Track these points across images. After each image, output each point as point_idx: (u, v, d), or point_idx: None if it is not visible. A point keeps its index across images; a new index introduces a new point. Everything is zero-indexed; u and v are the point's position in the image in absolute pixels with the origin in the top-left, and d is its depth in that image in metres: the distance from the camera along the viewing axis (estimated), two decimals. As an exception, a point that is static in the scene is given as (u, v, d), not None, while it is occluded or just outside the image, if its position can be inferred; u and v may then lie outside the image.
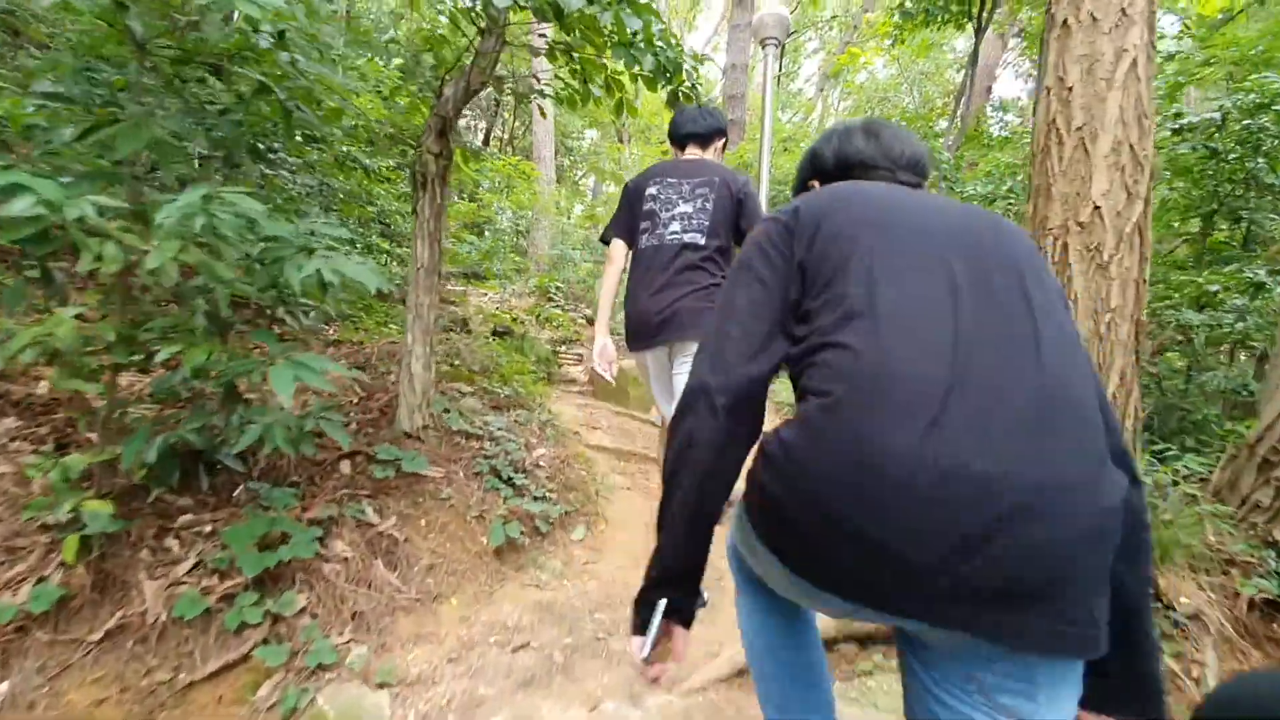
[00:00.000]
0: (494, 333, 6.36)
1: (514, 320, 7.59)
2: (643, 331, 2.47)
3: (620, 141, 13.85)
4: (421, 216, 2.95)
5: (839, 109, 17.42)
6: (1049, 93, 1.97)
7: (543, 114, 3.47)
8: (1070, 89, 1.90)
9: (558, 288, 12.01)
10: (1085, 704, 0.88)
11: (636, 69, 3.71)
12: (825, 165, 1.20)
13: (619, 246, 2.62)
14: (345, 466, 2.65)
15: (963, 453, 0.76)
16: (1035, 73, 13.69)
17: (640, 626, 0.97)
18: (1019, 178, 6.71)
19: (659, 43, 3.68)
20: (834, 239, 0.96)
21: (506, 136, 21.48)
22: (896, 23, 8.11)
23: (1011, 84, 15.36)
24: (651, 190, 2.58)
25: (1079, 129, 1.86)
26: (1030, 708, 0.81)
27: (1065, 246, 1.83)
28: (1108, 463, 0.82)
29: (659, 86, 3.83)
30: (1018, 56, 13.28)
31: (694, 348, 2.22)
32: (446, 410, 3.23)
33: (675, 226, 2.46)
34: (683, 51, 3.68)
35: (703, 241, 2.43)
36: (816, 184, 1.22)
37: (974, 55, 7.92)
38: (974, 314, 0.85)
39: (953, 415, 0.78)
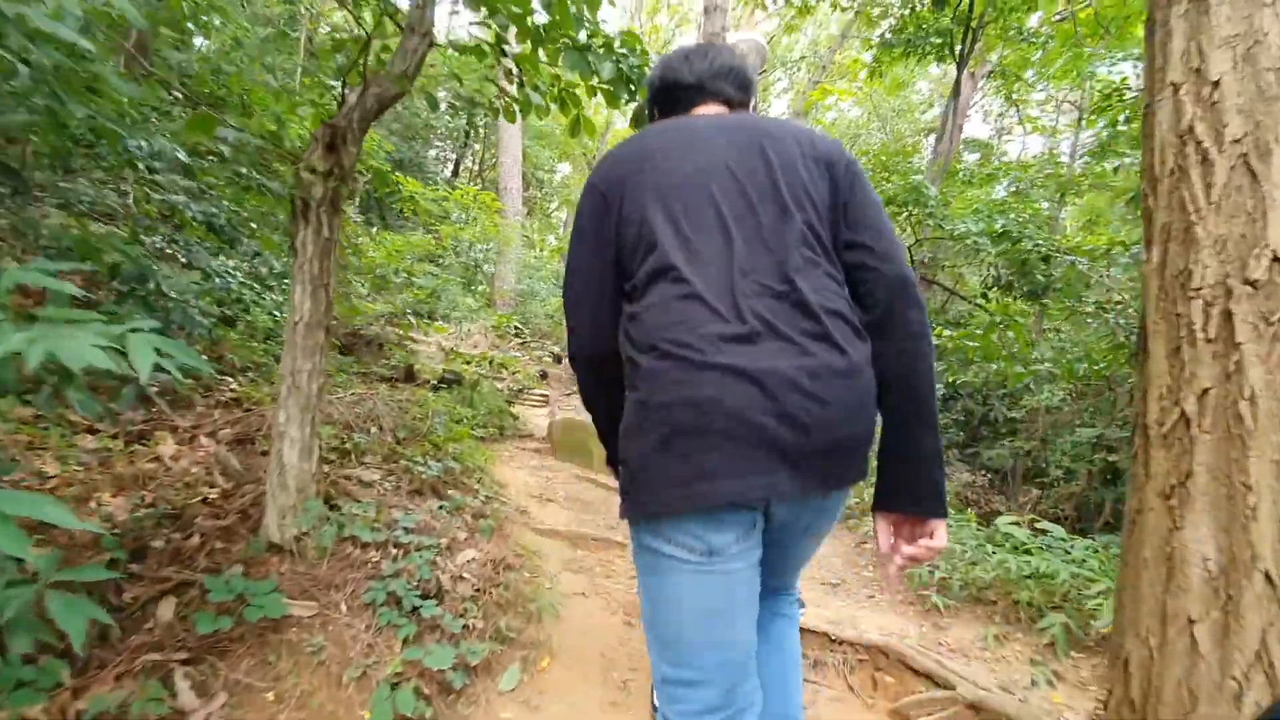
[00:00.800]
0: (442, 381, 5.55)
1: (468, 363, 6.78)
2: None
3: (591, 175, 13.41)
4: (301, 255, 2.18)
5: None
6: (1175, 91, 1.31)
7: (509, 116, 2.73)
8: (1217, 84, 1.25)
9: (517, 327, 11.28)
10: (879, 506, 1.13)
11: (595, 80, 3.05)
12: (656, 87, 1.30)
13: None
14: (166, 608, 1.82)
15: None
16: (1004, 113, 13.55)
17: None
18: (1011, 215, 6.19)
19: (621, 49, 3.01)
20: (632, 222, 1.09)
21: (476, 167, 20.85)
22: (875, 55, 7.68)
23: (980, 126, 15.19)
24: None
25: (1237, 141, 1.20)
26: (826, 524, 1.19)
27: (1227, 316, 1.16)
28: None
29: (621, 101, 3.16)
30: (984, 98, 13.09)
31: None
32: (334, 507, 2.41)
33: None
34: (649, 60, 3.02)
35: None
36: (656, 110, 1.32)
37: (955, 88, 7.50)
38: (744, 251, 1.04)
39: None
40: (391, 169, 8.27)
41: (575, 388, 7.42)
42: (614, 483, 1.15)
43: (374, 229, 9.25)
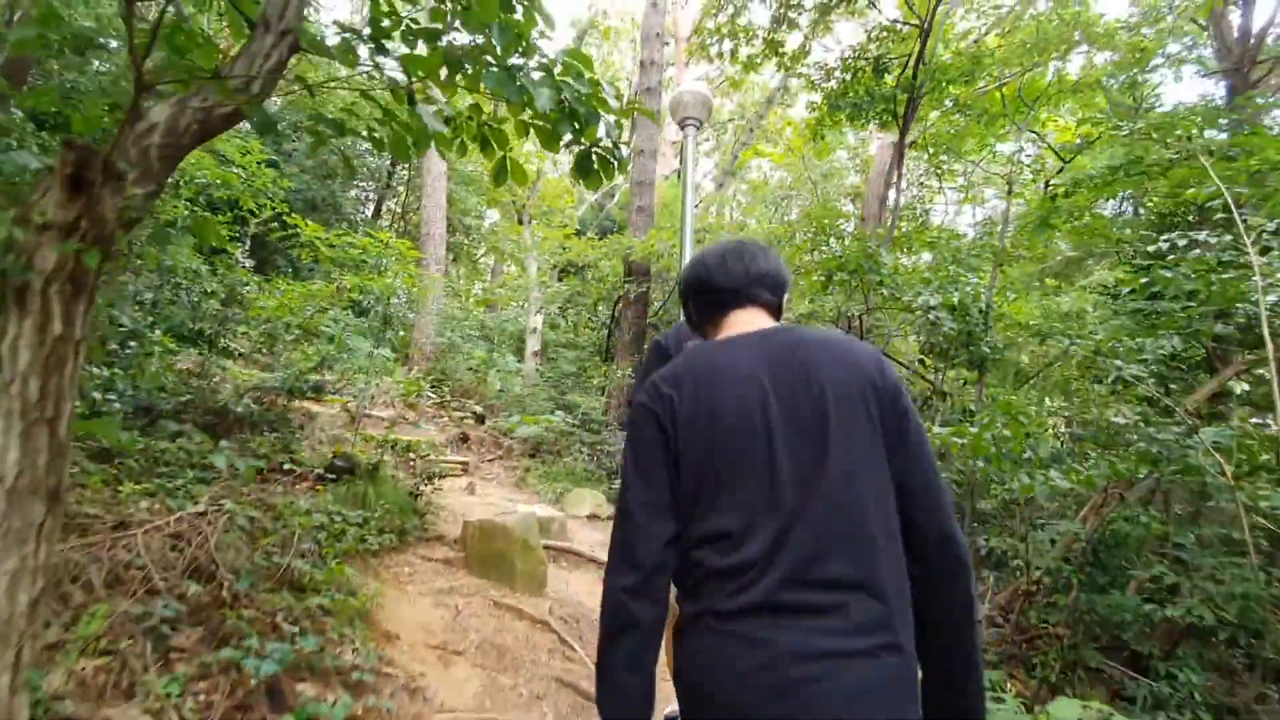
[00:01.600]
0: (330, 471, 4.46)
1: (366, 443, 5.68)
2: None
3: (520, 222, 12.53)
4: (7, 367, 1.23)
5: (739, 205, 17.10)
6: None
7: (399, 152, 1.77)
8: None
9: (435, 385, 10.16)
10: None
11: (527, 113, 2.28)
12: (696, 289, 1.29)
13: None
14: None
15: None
16: (924, 182, 13.91)
17: None
18: (961, 286, 5.81)
19: (563, 75, 2.25)
20: (697, 461, 1.04)
21: (400, 210, 19.66)
22: (819, 115, 7.39)
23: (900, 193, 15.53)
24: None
25: None
26: None
27: None
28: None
29: (560, 143, 2.39)
30: (911, 167, 13.32)
31: None
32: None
33: None
34: (601, 91, 2.28)
35: None
36: (690, 301, 1.31)
37: (899, 152, 7.28)
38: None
39: None
40: (288, 209, 7.19)
41: (499, 452, 5.69)
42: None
43: (277, 275, 8.06)
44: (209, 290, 6.02)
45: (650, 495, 1.04)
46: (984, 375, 7.55)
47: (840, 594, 0.93)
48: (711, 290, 1.24)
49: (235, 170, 6.46)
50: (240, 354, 7.02)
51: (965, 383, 7.92)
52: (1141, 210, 8.10)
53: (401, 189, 18.03)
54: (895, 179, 7.42)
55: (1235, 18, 7.58)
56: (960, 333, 6.47)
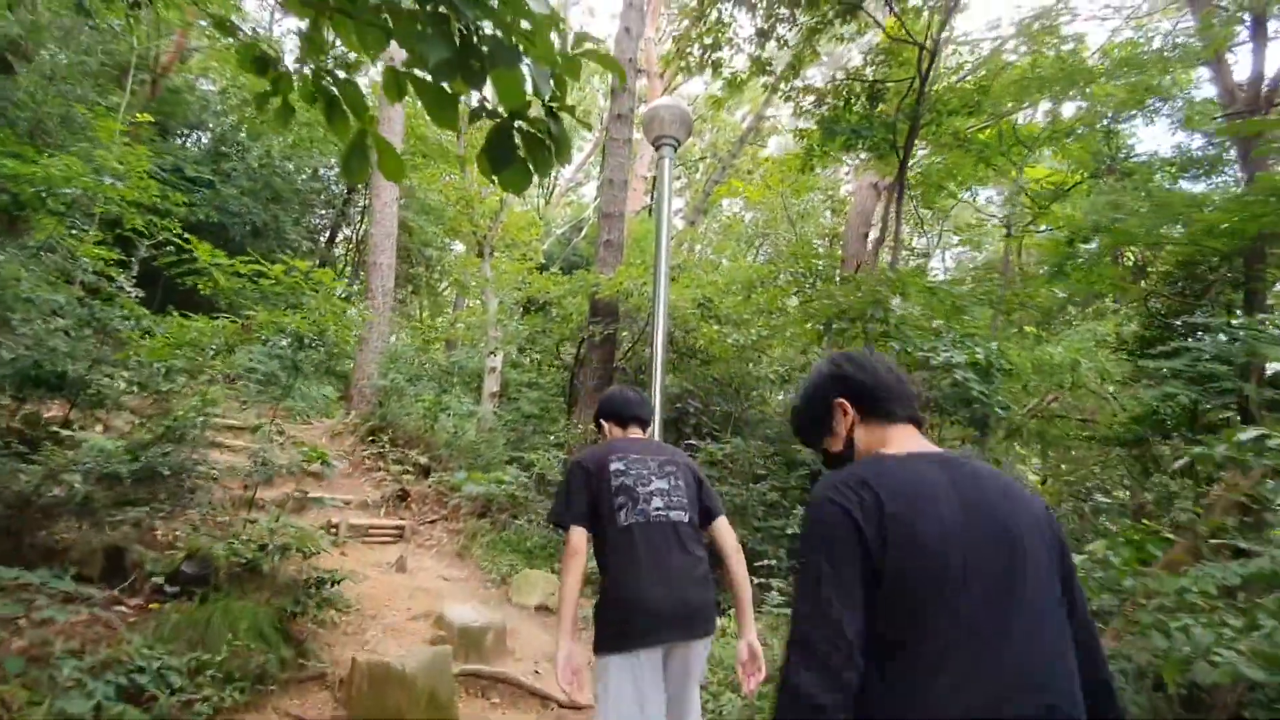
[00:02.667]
0: (175, 582, 3.21)
1: (247, 528, 4.39)
2: (658, 626, 2.03)
3: (480, 255, 11.46)
4: None
5: (710, 243, 16.33)
6: None
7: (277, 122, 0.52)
8: None
9: (371, 437, 8.90)
10: None
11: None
12: (862, 389, 1.19)
13: (580, 535, 2.14)
14: None
15: None
16: (915, 222, 13.36)
17: None
18: (984, 341, 4.91)
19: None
20: (911, 574, 0.95)
21: (357, 237, 18.39)
22: (809, 143, 6.58)
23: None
24: (617, 465, 2.22)
25: None
26: None
27: None
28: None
29: (454, 110, 1.34)
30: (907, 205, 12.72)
31: (704, 650, 2.15)
32: None
33: (658, 503, 2.19)
34: (577, 71, 1.25)
35: (686, 519, 2.21)
36: (843, 402, 1.20)
37: (900, 183, 6.47)
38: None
39: None
40: (181, 229, 5.98)
41: (443, 511, 3.19)
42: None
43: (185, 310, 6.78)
44: (67, 324, 4.76)
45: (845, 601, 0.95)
46: (986, 435, 6.66)
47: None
48: (890, 396, 1.17)
49: (113, 183, 5.27)
50: (119, 402, 5.72)
51: (963, 442, 7.04)
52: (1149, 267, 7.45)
53: (359, 216, 16.83)
54: (896, 212, 6.62)
55: (1232, 60, 7.10)
56: (963, 388, 5.59)
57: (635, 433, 2.44)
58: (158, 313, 5.77)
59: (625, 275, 7.94)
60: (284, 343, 5.74)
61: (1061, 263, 5.86)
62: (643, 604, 2.02)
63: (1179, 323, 4.88)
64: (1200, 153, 7.19)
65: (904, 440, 1.14)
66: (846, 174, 14.06)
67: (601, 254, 8.85)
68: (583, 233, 13.96)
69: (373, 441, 9.32)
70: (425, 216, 14.06)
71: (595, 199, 9.23)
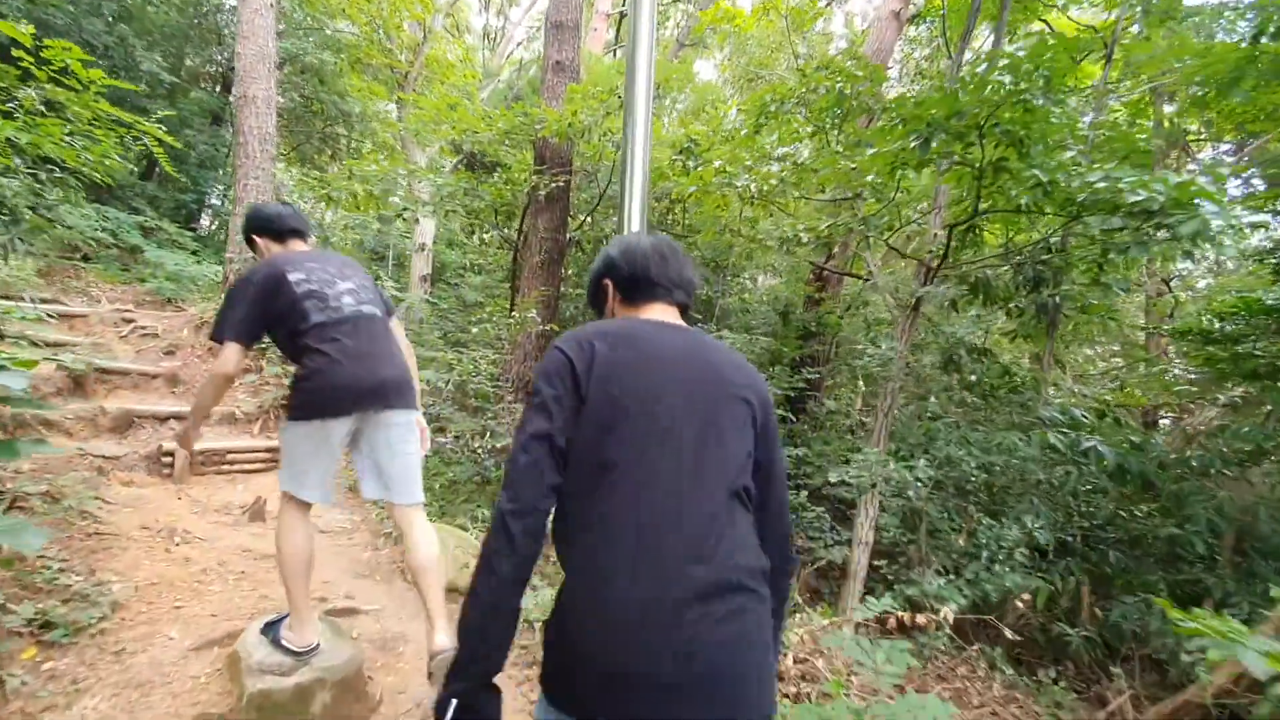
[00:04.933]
0: None
1: None
2: (354, 397, 2.12)
3: (400, 102, 8.69)
4: None
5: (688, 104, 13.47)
6: None
7: None
8: None
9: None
10: None
11: None
12: (620, 276, 1.32)
13: (236, 351, 2.06)
14: None
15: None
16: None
17: None
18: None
19: None
20: (607, 407, 1.08)
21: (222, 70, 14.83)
22: None
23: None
24: (296, 275, 2.14)
25: None
26: None
27: None
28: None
29: None
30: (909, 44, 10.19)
31: (410, 416, 2.27)
32: None
33: (348, 299, 2.21)
34: None
35: (380, 314, 2.30)
36: (609, 283, 1.33)
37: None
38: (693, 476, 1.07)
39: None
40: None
41: None
42: None
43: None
44: None
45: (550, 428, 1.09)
46: (1054, 330, 4.85)
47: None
48: (648, 281, 1.29)
49: None
50: None
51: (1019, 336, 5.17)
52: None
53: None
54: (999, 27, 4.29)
55: None
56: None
57: (298, 246, 2.32)
58: None
59: (581, 106, 5.53)
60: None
61: (1238, 70, 3.75)
62: (331, 383, 2.05)
63: None
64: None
65: (656, 314, 1.29)
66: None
67: (549, 80, 6.34)
68: (531, 73, 11.03)
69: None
70: (331, 52, 10.87)
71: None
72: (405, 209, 6.44)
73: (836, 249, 8.48)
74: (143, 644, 2.45)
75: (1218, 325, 4.72)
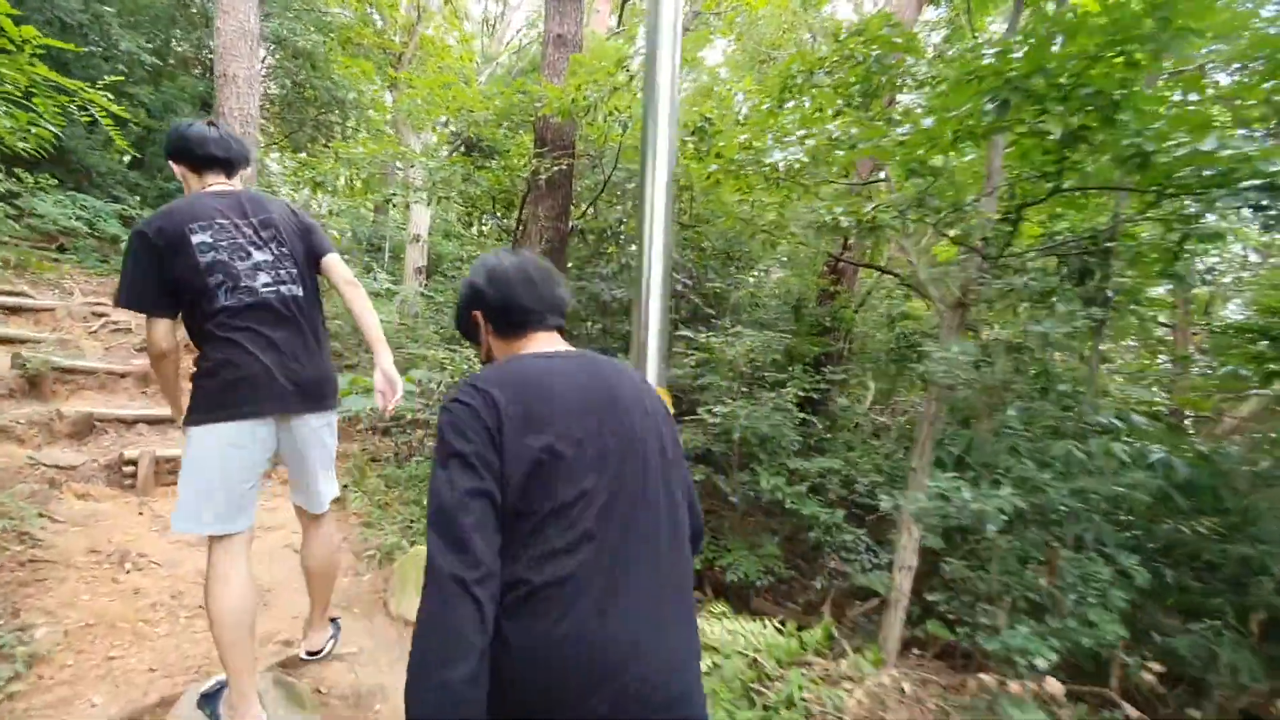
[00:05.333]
0: None
1: None
2: (270, 395, 1.82)
3: (393, 85, 8.19)
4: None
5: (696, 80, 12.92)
6: None
7: None
8: None
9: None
10: None
11: None
12: (491, 306, 1.23)
13: (154, 325, 1.79)
14: None
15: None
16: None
17: None
18: None
19: None
20: (526, 471, 0.98)
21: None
22: None
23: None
24: (201, 238, 1.78)
25: None
26: None
27: None
28: None
29: None
30: None
31: (330, 418, 2.05)
32: None
33: (265, 278, 1.85)
34: None
35: (301, 292, 1.93)
36: (479, 315, 1.25)
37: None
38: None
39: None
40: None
41: None
42: None
43: None
44: None
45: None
46: (1102, 327, 4.39)
47: None
48: (521, 310, 1.22)
49: None
50: None
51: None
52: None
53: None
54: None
55: None
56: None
57: (218, 181, 1.92)
58: None
59: (585, 80, 5.04)
60: None
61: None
62: (237, 377, 1.77)
63: None
64: None
65: (538, 345, 1.21)
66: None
67: (550, 55, 5.85)
68: (529, 55, 10.50)
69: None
70: (321, 34, 10.34)
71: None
72: (395, 194, 5.94)
73: (852, 239, 8.04)
74: (57, 713, 2.00)
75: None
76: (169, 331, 1.79)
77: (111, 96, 3.29)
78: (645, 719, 0.91)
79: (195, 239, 1.76)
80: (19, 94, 2.91)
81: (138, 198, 9.34)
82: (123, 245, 8.14)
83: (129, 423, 4.74)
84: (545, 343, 1.21)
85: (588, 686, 0.90)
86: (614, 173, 6.55)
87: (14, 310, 5.75)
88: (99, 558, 3.22)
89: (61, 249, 7.79)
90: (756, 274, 8.81)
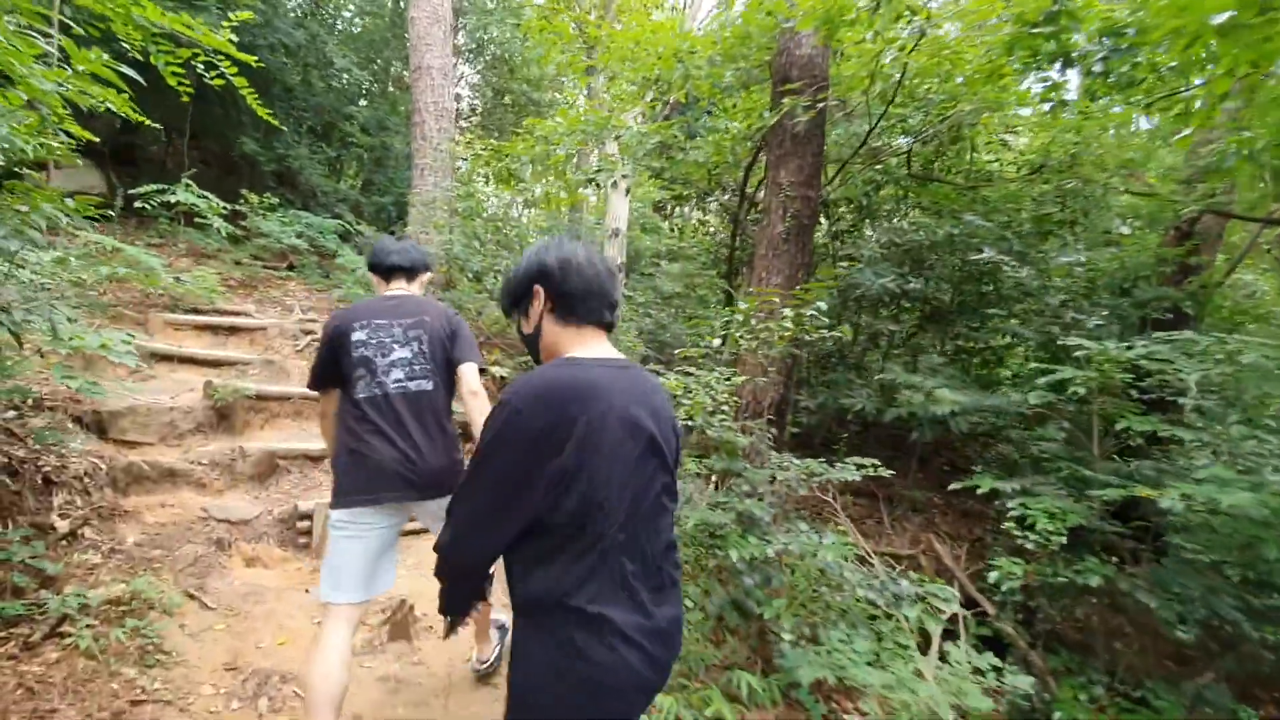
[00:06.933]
0: None
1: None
2: (380, 485, 1.99)
3: (589, 69, 7.25)
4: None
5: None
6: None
7: None
8: None
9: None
10: None
11: None
12: (564, 289, 1.19)
13: (327, 400, 2.16)
14: None
15: None
16: None
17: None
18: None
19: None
20: (578, 474, 1.03)
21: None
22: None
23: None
24: (359, 335, 2.08)
25: None
26: None
27: None
28: None
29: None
30: None
31: (440, 504, 2.11)
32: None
33: (398, 374, 2.08)
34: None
35: (430, 386, 2.11)
36: (542, 290, 1.20)
37: None
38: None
39: None
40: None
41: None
42: None
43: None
44: None
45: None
46: None
47: None
48: (596, 299, 1.19)
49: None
50: None
51: None
52: None
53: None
54: None
55: None
56: None
57: (399, 286, 2.22)
58: None
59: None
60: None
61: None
62: (363, 465, 1.97)
63: None
64: None
65: (589, 344, 1.19)
66: None
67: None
68: None
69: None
70: (515, 29, 9.80)
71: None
72: (599, 170, 4.74)
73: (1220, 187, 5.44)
74: None
75: None
76: (330, 403, 2.10)
77: (235, 39, 2.35)
78: None
79: (354, 336, 2.02)
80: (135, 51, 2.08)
81: (357, 215, 9.53)
82: (340, 260, 8.20)
83: (315, 459, 4.08)
84: (602, 344, 1.21)
85: None
86: (879, 123, 4.73)
87: (233, 330, 5.57)
88: (232, 684, 2.30)
89: (291, 267, 7.94)
90: (1045, 251, 6.26)
